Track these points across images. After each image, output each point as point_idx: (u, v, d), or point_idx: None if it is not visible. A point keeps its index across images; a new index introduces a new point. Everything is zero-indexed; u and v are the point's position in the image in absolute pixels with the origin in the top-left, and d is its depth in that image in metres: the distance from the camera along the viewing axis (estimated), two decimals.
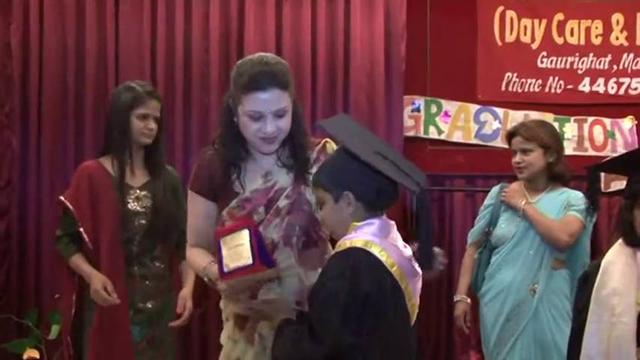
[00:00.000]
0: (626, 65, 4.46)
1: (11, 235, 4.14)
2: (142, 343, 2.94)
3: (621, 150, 4.33)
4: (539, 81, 4.48)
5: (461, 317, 3.37)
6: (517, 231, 3.23)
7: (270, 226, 2.17)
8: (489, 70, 4.49)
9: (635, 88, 4.46)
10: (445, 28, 4.49)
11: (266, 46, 4.13)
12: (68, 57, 4.14)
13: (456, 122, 4.50)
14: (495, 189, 3.46)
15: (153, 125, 2.93)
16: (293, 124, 2.18)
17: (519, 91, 4.49)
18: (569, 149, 4.32)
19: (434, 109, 4.50)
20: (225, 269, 2.00)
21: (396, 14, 4.24)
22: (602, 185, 3.99)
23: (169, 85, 4.16)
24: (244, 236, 1.99)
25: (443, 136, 4.48)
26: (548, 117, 4.34)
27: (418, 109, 4.49)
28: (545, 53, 4.48)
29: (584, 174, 2.34)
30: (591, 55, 4.46)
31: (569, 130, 4.44)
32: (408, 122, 4.45)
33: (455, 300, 3.42)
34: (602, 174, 3.40)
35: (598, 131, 4.45)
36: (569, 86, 4.47)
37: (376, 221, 1.95)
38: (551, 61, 4.48)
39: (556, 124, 4.21)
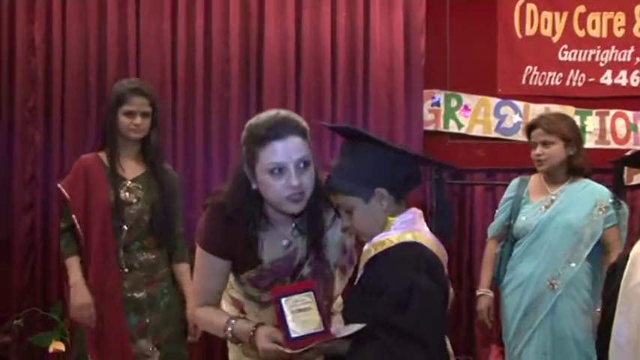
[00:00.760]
0: None
1: (35, 230, 4.20)
2: (135, 329, 3.03)
3: None
4: (560, 74, 4.45)
5: (484, 311, 3.37)
6: (539, 223, 3.22)
7: None
8: (510, 64, 4.46)
9: None
10: (465, 21, 4.47)
11: (286, 41, 4.14)
12: (90, 53, 4.18)
13: (476, 116, 4.48)
14: (515, 182, 3.46)
15: (139, 121, 3.03)
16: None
17: (540, 84, 4.47)
18: (590, 142, 4.30)
19: (454, 103, 4.49)
20: (293, 335, 1.84)
21: (416, 8, 4.23)
22: (625, 178, 3.95)
23: (190, 81, 4.19)
24: (310, 300, 1.88)
25: (463, 130, 4.47)
26: (570, 110, 4.31)
27: (438, 104, 4.48)
28: (566, 46, 4.44)
29: (606, 167, 2.33)
30: (613, 47, 4.42)
31: (591, 123, 4.40)
32: (428, 116, 4.45)
33: (477, 294, 3.42)
34: (626, 167, 3.38)
35: (620, 124, 4.41)
36: (591, 79, 4.43)
37: (412, 212, 1.91)
38: (573, 53, 4.44)
39: (577, 118, 4.20)
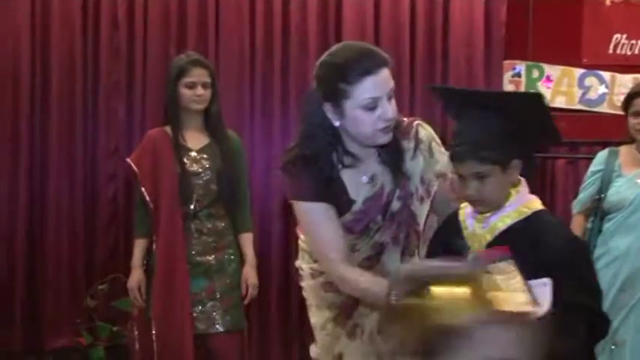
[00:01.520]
0: None
1: (118, 199, 4.33)
2: (201, 294, 3.15)
3: None
4: None
5: None
6: (636, 198, 3.10)
7: (385, 232, 2.08)
8: (596, 32, 4.30)
9: None
10: None
11: (364, 13, 4.11)
12: (170, 26, 4.25)
13: (559, 87, 4.35)
14: (603, 154, 3.33)
15: (201, 91, 3.11)
16: None
17: (628, 53, 4.29)
18: None
19: (535, 74, 4.36)
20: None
21: None
22: None
23: (268, 53, 4.21)
24: (512, 270, 1.76)
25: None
26: None
27: (519, 75, 4.37)
28: None
29: None
30: None
31: None
32: (508, 88, 4.33)
33: None
34: None
35: None
36: None
37: (524, 183, 1.92)
38: None
39: None
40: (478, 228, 1.91)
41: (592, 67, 4.32)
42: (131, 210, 4.26)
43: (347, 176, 2.05)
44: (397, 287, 1.87)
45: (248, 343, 4.05)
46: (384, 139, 1.98)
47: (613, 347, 3.10)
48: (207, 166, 3.17)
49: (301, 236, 2.27)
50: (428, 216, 2.10)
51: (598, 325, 1.87)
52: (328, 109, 1.96)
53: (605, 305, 3.08)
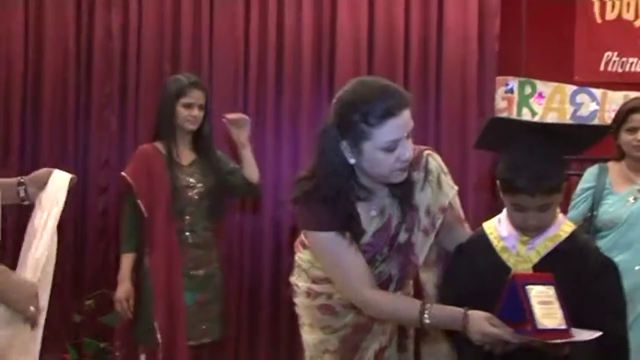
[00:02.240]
0: None
1: (109, 213, 4.29)
2: (193, 307, 3.26)
3: None
4: None
5: None
6: (630, 215, 3.10)
7: (391, 263, 2.08)
8: (588, 49, 4.34)
9: None
10: (542, 4, 4.36)
11: (359, 28, 4.12)
12: (165, 40, 4.24)
13: (551, 104, 4.38)
14: (593, 171, 3.33)
15: (196, 112, 3.28)
16: None
17: (620, 70, 4.33)
18: None
19: (528, 90, 4.39)
20: (540, 326, 1.78)
21: None
22: None
23: (262, 68, 4.20)
24: (553, 294, 1.81)
25: (536, 118, 4.36)
26: None
27: (511, 91, 4.39)
28: None
29: None
30: None
31: None
32: (501, 104, 4.36)
33: None
34: None
35: None
36: None
37: None
38: None
39: None
40: (522, 250, 1.93)
41: (584, 84, 4.35)
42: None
43: (360, 208, 2.05)
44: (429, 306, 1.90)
45: (237, 351, 4.05)
46: (400, 178, 1.98)
47: None
48: (199, 180, 3.30)
49: (299, 254, 2.25)
50: (431, 249, 2.11)
51: (622, 353, 1.92)
52: (345, 148, 1.95)
53: None
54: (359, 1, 4.14)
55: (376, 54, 4.15)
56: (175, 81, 3.35)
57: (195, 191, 3.29)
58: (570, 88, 4.36)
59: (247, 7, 4.21)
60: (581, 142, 1.92)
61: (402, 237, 2.06)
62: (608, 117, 4.34)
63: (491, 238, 1.97)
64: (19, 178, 2.16)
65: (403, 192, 2.04)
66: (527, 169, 1.86)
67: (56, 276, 3.94)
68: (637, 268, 3.03)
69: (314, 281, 2.19)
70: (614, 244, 3.12)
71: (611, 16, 4.32)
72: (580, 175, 4.33)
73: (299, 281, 2.24)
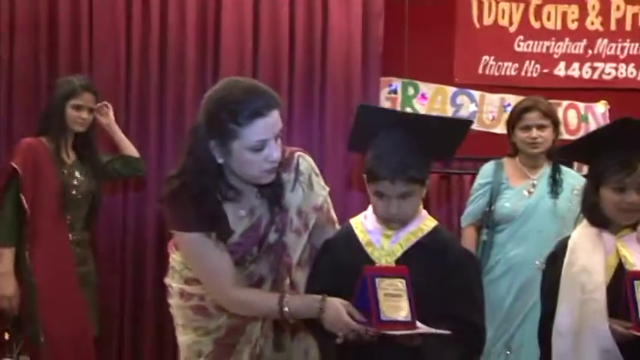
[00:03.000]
0: (600, 50, 4.50)
1: None
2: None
3: None
4: (516, 64, 4.50)
5: None
6: (525, 209, 3.22)
7: (261, 263, 2.07)
8: (466, 53, 4.50)
9: (609, 73, 4.50)
10: (423, 9, 4.47)
11: (243, 28, 4.09)
12: (40, 31, 4.05)
13: (433, 104, 4.51)
14: (490, 166, 3.40)
15: (85, 115, 3.32)
16: None
17: (496, 74, 4.51)
18: None
19: (411, 91, 4.50)
20: (383, 317, 1.82)
21: None
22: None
23: (144, 67, 4.08)
24: (402, 287, 1.84)
25: None
26: None
27: (395, 91, 4.49)
28: (522, 37, 4.49)
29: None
30: (567, 39, 4.49)
31: None
32: (385, 104, 4.44)
33: None
34: None
35: (572, 115, 4.50)
36: (545, 70, 4.50)
37: None
38: (528, 45, 4.50)
39: None
40: (386, 243, 1.97)
41: (463, 86, 4.51)
42: None
43: (228, 209, 2.03)
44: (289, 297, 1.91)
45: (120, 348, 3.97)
46: (268, 179, 1.99)
47: (508, 353, 3.21)
48: (81, 181, 3.33)
49: (172, 255, 2.22)
50: (304, 249, 2.11)
51: (479, 342, 1.97)
52: (214, 147, 1.94)
53: (502, 313, 3.21)
54: (243, 0, 4.10)
55: (260, 53, 4.12)
56: (67, 82, 3.36)
57: (77, 190, 3.30)
58: (451, 90, 4.51)
59: (129, 3, 4.08)
60: (446, 136, 1.95)
61: (272, 237, 2.06)
62: (486, 118, 4.53)
63: (357, 232, 2.01)
64: None
65: (272, 193, 2.04)
66: (389, 156, 1.92)
67: None
68: (537, 262, 3.11)
69: (186, 282, 2.16)
70: (511, 237, 3.25)
71: (488, 21, 4.49)
72: (461, 174, 4.50)
73: (172, 282, 2.21)
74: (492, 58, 4.50)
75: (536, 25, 4.49)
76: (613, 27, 4.50)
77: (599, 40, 4.49)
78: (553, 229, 3.16)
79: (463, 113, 4.50)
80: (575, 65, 4.50)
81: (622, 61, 4.50)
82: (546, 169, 3.28)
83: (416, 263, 1.89)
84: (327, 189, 2.16)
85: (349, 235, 2.02)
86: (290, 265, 2.09)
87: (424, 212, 2.01)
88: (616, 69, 4.50)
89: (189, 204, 1.97)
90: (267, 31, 4.11)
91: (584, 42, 4.50)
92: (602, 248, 2.10)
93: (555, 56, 4.50)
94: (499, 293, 3.23)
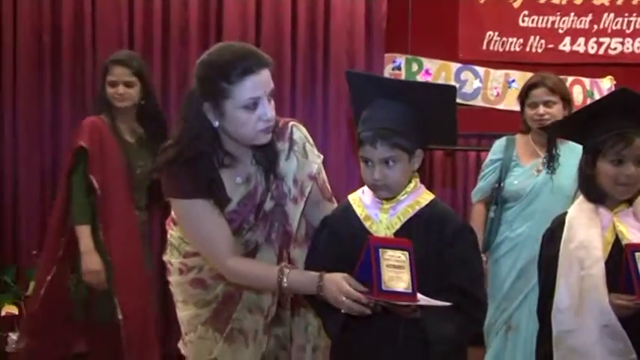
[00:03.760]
0: (606, 25, 4.46)
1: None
2: None
3: None
4: (521, 40, 4.47)
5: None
6: (533, 188, 3.19)
7: (258, 231, 2.09)
8: (470, 29, 4.47)
9: (615, 48, 4.47)
10: None
11: (245, 4, 4.08)
12: (43, 13, 4.06)
13: (437, 81, 4.48)
14: (501, 143, 3.36)
15: (122, 90, 3.17)
16: None
17: (500, 50, 4.49)
18: None
19: (415, 67, 4.49)
20: (384, 287, 1.81)
21: None
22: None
23: (147, 45, 4.10)
24: (405, 259, 1.84)
25: None
26: (529, 76, 4.33)
27: (399, 68, 4.48)
28: (526, 12, 4.46)
29: None
30: (572, 14, 4.46)
31: None
32: None
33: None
34: None
35: (577, 91, 4.47)
36: (550, 45, 4.47)
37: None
38: (533, 20, 4.47)
39: None
40: (384, 217, 1.98)
41: (467, 62, 4.49)
42: (2, 204, 4.08)
43: (225, 176, 2.04)
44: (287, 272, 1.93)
45: None
46: (264, 139, 1.99)
47: (508, 331, 3.21)
48: (143, 160, 3.20)
49: (170, 231, 2.24)
50: (301, 217, 2.12)
51: (479, 313, 1.98)
52: (208, 109, 1.95)
53: (503, 291, 3.19)
54: None
55: (263, 31, 4.11)
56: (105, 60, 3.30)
57: (141, 169, 3.21)
58: (455, 66, 4.49)
59: None
60: (433, 104, 1.92)
61: (268, 205, 2.07)
62: (491, 94, 4.52)
63: (355, 206, 2.02)
64: None
65: (267, 160, 2.05)
66: (372, 121, 1.93)
67: None
68: (538, 237, 3.12)
69: (185, 256, 2.18)
70: (518, 215, 3.21)
71: None
72: (466, 151, 4.49)
73: (172, 258, 2.23)
74: (497, 33, 4.47)
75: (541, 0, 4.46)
76: (619, 1, 4.46)
77: (605, 15, 4.45)
78: (560, 208, 3.13)
79: (467, 90, 4.49)
80: (581, 40, 4.47)
81: (628, 35, 4.47)
82: (563, 144, 3.24)
83: (414, 236, 1.90)
84: (321, 157, 2.17)
85: (347, 210, 2.03)
86: (291, 235, 2.11)
87: (421, 186, 2.02)
88: (622, 44, 4.47)
89: (186, 170, 1.98)
90: (269, 7, 4.10)
91: (590, 17, 4.46)
92: (599, 223, 2.10)
93: (560, 31, 4.47)
94: (502, 271, 3.22)
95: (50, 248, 3.18)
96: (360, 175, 2.04)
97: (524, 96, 3.27)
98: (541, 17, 4.46)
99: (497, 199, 3.28)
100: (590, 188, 2.14)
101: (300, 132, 2.14)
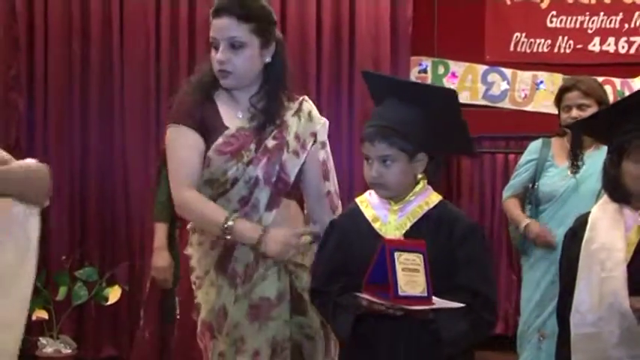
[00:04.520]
0: (637, 24, 4.39)
1: None
2: None
3: None
4: (549, 41, 4.42)
5: (544, 230, 3.14)
6: (566, 190, 3.17)
7: (259, 165, 2.12)
8: (497, 30, 4.43)
9: None
10: None
11: (270, 3, 4.08)
12: (73, 20, 4.13)
13: (464, 83, 4.46)
14: (537, 143, 3.31)
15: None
16: (269, 72, 2.13)
17: (528, 51, 4.44)
18: None
19: (441, 70, 4.46)
20: (401, 292, 1.81)
21: None
22: None
23: (174, 53, 4.15)
24: (420, 262, 1.84)
25: None
26: (558, 77, 4.29)
27: (425, 71, 4.46)
28: (554, 12, 4.41)
29: None
30: (602, 13, 4.39)
31: None
32: None
33: (523, 225, 3.18)
34: None
35: (608, 91, 4.36)
36: (579, 46, 4.41)
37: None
38: (561, 20, 4.41)
39: None
40: (393, 218, 1.97)
41: (494, 63, 4.45)
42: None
43: (223, 109, 2.14)
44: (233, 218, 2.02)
45: None
46: (222, 82, 2.12)
47: (540, 339, 3.16)
48: None
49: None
50: (299, 173, 2.18)
51: (490, 313, 1.94)
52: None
53: (536, 297, 3.14)
54: None
55: (288, 37, 4.07)
56: None
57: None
58: (481, 68, 4.45)
59: None
60: (437, 108, 1.92)
61: (270, 142, 2.13)
62: (518, 96, 4.47)
63: (363, 208, 2.02)
64: None
65: (263, 108, 2.14)
66: (376, 118, 1.97)
67: None
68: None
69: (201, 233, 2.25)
70: (552, 218, 3.16)
71: None
72: (493, 153, 4.45)
73: (192, 239, 2.25)
74: (524, 34, 4.42)
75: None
76: None
77: (637, 14, 4.38)
78: None
79: (495, 92, 4.45)
80: (611, 40, 4.40)
81: None
82: (594, 151, 3.19)
83: (424, 236, 1.90)
84: (326, 122, 2.24)
85: (355, 212, 2.03)
86: (287, 183, 2.15)
87: (429, 187, 2.02)
88: None
89: (180, 100, 2.14)
90: (294, 12, 4.12)
91: (620, 16, 4.39)
92: (623, 225, 2.05)
93: (590, 31, 4.40)
94: (536, 275, 3.18)
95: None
96: None
97: (558, 99, 3.25)
98: (569, 17, 4.40)
99: (531, 199, 3.25)
100: (615, 188, 2.10)
101: (308, 103, 2.22)
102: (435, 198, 2.00)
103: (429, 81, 4.44)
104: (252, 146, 2.12)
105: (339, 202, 2.25)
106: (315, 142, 2.19)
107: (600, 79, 4.34)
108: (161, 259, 3.12)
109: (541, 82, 4.40)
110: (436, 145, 1.98)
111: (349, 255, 1.97)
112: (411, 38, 4.26)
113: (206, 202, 2.09)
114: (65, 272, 3.96)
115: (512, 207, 3.27)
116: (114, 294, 3.96)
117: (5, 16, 4.11)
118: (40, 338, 3.89)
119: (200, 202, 2.09)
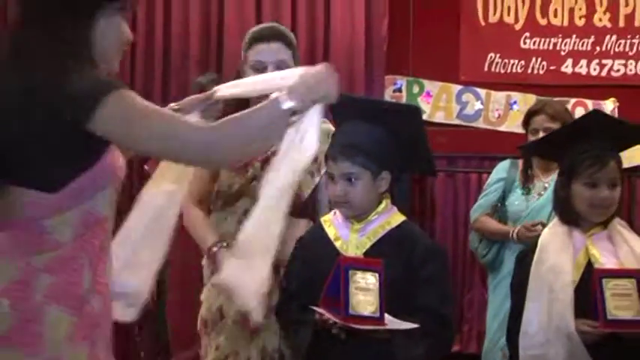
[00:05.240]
0: (608, 47, 4.45)
1: None
2: None
3: None
4: (522, 62, 4.46)
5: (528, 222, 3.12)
6: (530, 210, 3.19)
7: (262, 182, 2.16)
8: (472, 51, 4.46)
9: (618, 70, 4.45)
10: (428, 6, 4.45)
11: (244, 25, 4.08)
12: None
13: (438, 103, 4.48)
14: (505, 164, 3.35)
15: None
16: None
17: (502, 71, 4.47)
18: None
19: (416, 89, 4.47)
20: (351, 311, 1.82)
21: None
22: None
23: (149, 66, 4.13)
24: (375, 281, 1.84)
25: (424, 117, 4.43)
26: (531, 98, 4.33)
27: (400, 90, 4.47)
28: (528, 34, 4.45)
29: None
30: (574, 36, 4.44)
31: None
32: None
33: (513, 232, 3.12)
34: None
35: (580, 112, 4.41)
36: (552, 67, 4.46)
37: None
38: (534, 42, 4.45)
39: None
40: (354, 237, 1.98)
41: (469, 83, 4.47)
42: None
43: None
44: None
45: None
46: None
47: (504, 358, 3.13)
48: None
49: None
50: (314, 191, 2.22)
51: (448, 334, 1.97)
52: (240, 71, 2.25)
53: (501, 315, 3.07)
54: (244, 5, 4.11)
55: None
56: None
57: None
58: (456, 88, 4.48)
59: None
60: (401, 125, 1.95)
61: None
62: (492, 116, 4.50)
63: (326, 227, 2.04)
64: None
65: None
66: (338, 137, 1.99)
67: None
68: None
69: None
70: None
71: (493, 19, 4.45)
72: (467, 172, 4.46)
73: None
74: (498, 55, 4.46)
75: (542, 21, 4.45)
76: (622, 23, 4.44)
77: (608, 37, 4.44)
78: None
79: (469, 111, 4.47)
80: (583, 62, 4.45)
81: (631, 57, 4.44)
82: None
83: (384, 256, 1.90)
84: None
85: (319, 230, 2.05)
86: (301, 199, 2.16)
87: (393, 207, 2.03)
88: (625, 65, 4.45)
89: None
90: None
91: (592, 38, 4.44)
92: (572, 247, 2.07)
93: (562, 53, 4.45)
94: (501, 293, 3.18)
95: None
96: None
97: (526, 122, 3.28)
98: (543, 39, 4.44)
99: (499, 218, 3.26)
100: (565, 210, 2.13)
101: (327, 125, 2.18)
102: (397, 218, 2.01)
103: (403, 100, 4.45)
104: (258, 164, 2.15)
105: None
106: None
107: (573, 100, 4.42)
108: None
109: (515, 102, 4.44)
110: (399, 163, 2.00)
111: (313, 273, 1.97)
112: (386, 57, 4.25)
113: (202, 223, 2.18)
114: None
115: (490, 222, 3.27)
116: None
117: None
118: None
119: (198, 220, 2.18)
